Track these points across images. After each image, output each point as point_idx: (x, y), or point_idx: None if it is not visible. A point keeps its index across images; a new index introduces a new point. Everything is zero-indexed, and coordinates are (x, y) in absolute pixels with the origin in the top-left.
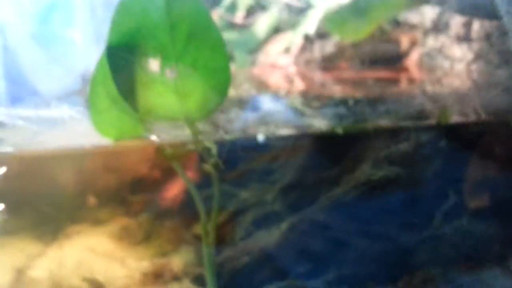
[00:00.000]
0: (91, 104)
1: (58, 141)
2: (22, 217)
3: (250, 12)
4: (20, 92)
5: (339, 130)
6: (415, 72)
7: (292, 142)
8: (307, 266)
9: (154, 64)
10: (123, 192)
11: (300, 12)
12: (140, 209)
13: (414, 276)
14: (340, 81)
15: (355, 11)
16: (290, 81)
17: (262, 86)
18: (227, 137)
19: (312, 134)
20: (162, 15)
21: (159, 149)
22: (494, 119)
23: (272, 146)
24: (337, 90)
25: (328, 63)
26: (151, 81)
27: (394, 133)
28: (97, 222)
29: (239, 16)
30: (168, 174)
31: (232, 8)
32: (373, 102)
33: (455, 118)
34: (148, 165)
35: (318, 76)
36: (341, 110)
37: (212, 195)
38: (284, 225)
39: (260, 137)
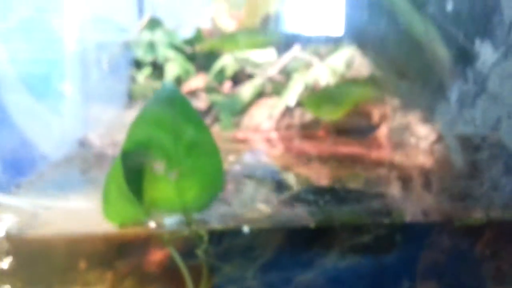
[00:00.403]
0: (104, 197)
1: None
2: (16, 278)
3: (235, 76)
4: (20, 153)
5: (312, 225)
6: (384, 144)
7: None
8: None
9: (159, 167)
10: (110, 256)
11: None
12: (126, 272)
13: None
14: (317, 150)
15: (330, 98)
16: (271, 144)
17: (245, 148)
18: (218, 227)
19: (289, 228)
20: (168, 129)
21: (157, 235)
22: (440, 219)
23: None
24: (312, 167)
25: (306, 130)
26: (156, 180)
27: (357, 228)
28: (86, 284)
29: (226, 86)
30: (152, 239)
31: (220, 72)
32: (339, 203)
33: (408, 218)
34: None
35: (297, 143)
36: (313, 209)
37: (196, 266)
38: None
39: (245, 229)
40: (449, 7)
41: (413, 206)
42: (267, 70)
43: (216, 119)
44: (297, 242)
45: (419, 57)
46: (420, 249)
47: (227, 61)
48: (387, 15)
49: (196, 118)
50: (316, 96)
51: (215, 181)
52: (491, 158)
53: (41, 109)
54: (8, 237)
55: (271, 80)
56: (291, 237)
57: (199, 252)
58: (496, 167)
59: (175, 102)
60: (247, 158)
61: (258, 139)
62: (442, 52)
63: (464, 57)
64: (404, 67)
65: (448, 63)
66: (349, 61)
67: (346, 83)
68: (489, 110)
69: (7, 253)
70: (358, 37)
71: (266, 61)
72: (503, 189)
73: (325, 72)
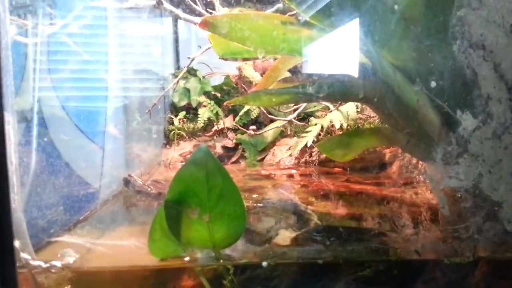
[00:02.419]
0: (150, 236)
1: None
2: None
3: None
4: (77, 190)
5: (320, 261)
6: (396, 179)
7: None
8: None
9: (194, 213)
10: (150, 280)
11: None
12: None
13: None
14: (333, 187)
15: (341, 144)
16: (292, 180)
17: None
18: (242, 261)
19: (302, 263)
20: (203, 183)
21: (192, 267)
22: (432, 258)
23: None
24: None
25: (323, 166)
26: (192, 223)
27: (359, 263)
28: None
29: (252, 129)
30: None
31: (246, 115)
32: (343, 243)
33: (403, 256)
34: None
35: (315, 179)
36: (321, 247)
37: None
38: None
39: (264, 263)
40: (434, 83)
41: (408, 245)
42: (288, 114)
43: (242, 156)
44: (308, 274)
45: (413, 118)
46: (414, 283)
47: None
48: (384, 84)
49: (225, 174)
50: (329, 141)
51: (238, 223)
52: (475, 207)
53: (92, 148)
54: (70, 268)
55: (291, 122)
56: (303, 270)
57: (226, 282)
58: (480, 214)
59: (208, 162)
60: (279, 191)
61: (280, 175)
62: (431, 117)
63: (448, 123)
64: (402, 125)
65: (436, 125)
66: (361, 107)
67: (356, 131)
68: (471, 167)
69: (69, 282)
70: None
71: (286, 106)
72: (486, 233)
73: (339, 116)
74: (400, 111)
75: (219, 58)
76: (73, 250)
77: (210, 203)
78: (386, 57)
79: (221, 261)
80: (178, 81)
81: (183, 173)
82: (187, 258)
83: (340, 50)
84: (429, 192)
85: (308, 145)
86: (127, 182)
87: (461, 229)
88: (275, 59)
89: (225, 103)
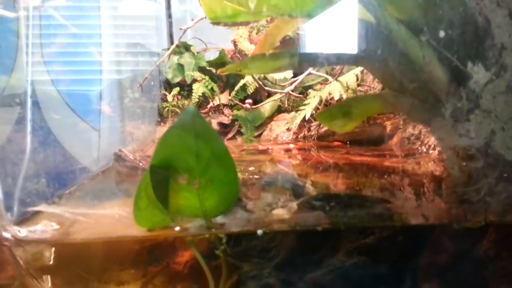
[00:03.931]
0: (135, 204)
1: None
2: (60, 278)
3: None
4: (63, 166)
5: (319, 228)
6: (397, 153)
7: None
8: None
9: (183, 178)
10: (142, 257)
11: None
12: (156, 272)
13: None
14: (332, 160)
15: (341, 112)
16: (290, 155)
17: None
18: (234, 230)
19: (300, 232)
20: (191, 147)
21: (182, 237)
22: (440, 223)
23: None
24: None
25: (322, 140)
26: (180, 190)
27: (361, 230)
28: (120, 283)
29: (248, 103)
30: (181, 240)
31: (242, 89)
32: (344, 208)
33: (409, 221)
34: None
35: (314, 154)
36: (320, 214)
37: (219, 266)
38: None
39: (259, 232)
40: (443, 33)
41: (414, 210)
42: (285, 88)
43: (239, 133)
44: (307, 243)
45: (418, 77)
46: (420, 250)
47: (248, 80)
48: (387, 41)
49: (215, 137)
50: (329, 111)
51: (231, 190)
52: (487, 167)
53: (82, 126)
54: (52, 241)
55: (288, 95)
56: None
57: (219, 252)
58: (492, 175)
59: (196, 123)
60: (276, 165)
61: (278, 150)
62: (438, 73)
63: (458, 77)
64: (405, 85)
65: (444, 83)
66: (361, 77)
67: (356, 98)
68: (482, 124)
69: (51, 255)
70: (366, 60)
71: (284, 78)
72: (499, 195)
73: (338, 87)
74: (404, 70)
75: (211, 23)
76: (51, 222)
77: (200, 168)
78: (389, 9)
79: (213, 230)
80: (170, 55)
81: (169, 136)
82: (177, 228)
83: (339, 8)
84: (431, 163)
85: (307, 118)
86: (118, 157)
87: (472, 192)
88: None
89: (218, 71)
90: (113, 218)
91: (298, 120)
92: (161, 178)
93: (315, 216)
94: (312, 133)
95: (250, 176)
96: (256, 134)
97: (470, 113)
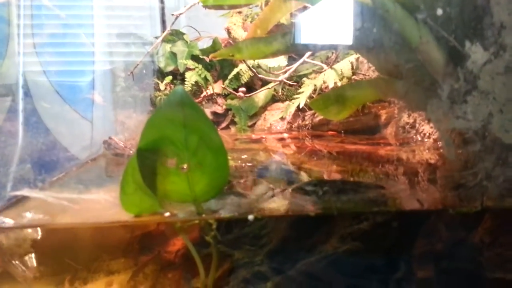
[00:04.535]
0: (121, 189)
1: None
2: (46, 266)
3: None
4: (51, 154)
5: (312, 213)
6: (391, 142)
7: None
8: None
9: (171, 163)
10: (133, 246)
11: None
12: (147, 261)
13: None
14: (326, 149)
15: (335, 99)
16: (284, 144)
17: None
18: (226, 215)
19: (292, 218)
20: (179, 129)
21: (171, 223)
22: (435, 208)
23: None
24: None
25: (316, 130)
26: (168, 174)
27: (355, 216)
28: (110, 272)
29: (241, 91)
30: (173, 229)
31: (236, 78)
32: (337, 191)
33: (404, 206)
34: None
35: (308, 143)
36: (313, 198)
37: (210, 254)
38: (269, 285)
39: (250, 217)
40: (441, 11)
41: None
42: (279, 76)
43: (232, 122)
44: (299, 229)
45: (413, 58)
46: (415, 236)
47: (242, 68)
48: (382, 22)
49: (204, 119)
50: (323, 98)
51: (221, 174)
52: (484, 150)
53: (72, 115)
54: (26, 226)
55: (282, 84)
56: (294, 226)
57: (209, 238)
58: (489, 159)
59: (185, 104)
60: (269, 152)
61: (271, 139)
62: (435, 54)
63: (455, 58)
64: (401, 68)
65: (441, 63)
66: (357, 65)
67: (351, 84)
68: (480, 106)
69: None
70: (361, 43)
71: (278, 66)
72: (496, 179)
73: (333, 75)
74: (400, 51)
75: (203, 6)
76: (35, 208)
77: (189, 151)
78: None
79: (203, 215)
80: (162, 43)
81: (156, 118)
82: (166, 214)
83: None
84: (426, 151)
85: (301, 106)
86: (108, 144)
87: (469, 176)
88: None
89: (210, 56)
90: (98, 203)
91: (292, 109)
92: (148, 162)
93: (308, 201)
94: (307, 122)
95: (243, 164)
96: (249, 123)
97: (468, 95)
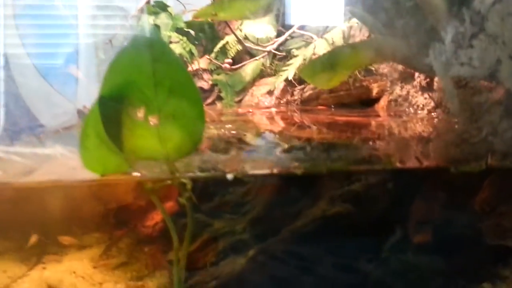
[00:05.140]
0: (81, 144)
1: (49, 175)
2: (10, 241)
3: (238, 56)
4: (21, 123)
5: (298, 172)
6: (383, 116)
7: (260, 181)
8: None
9: (139, 113)
10: (107, 220)
11: (283, 57)
12: (122, 235)
13: None
14: (316, 122)
15: (326, 65)
16: (271, 116)
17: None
18: (201, 174)
19: (276, 175)
20: (148, 74)
21: (140, 184)
22: (434, 166)
23: (244, 182)
24: (312, 132)
25: (306, 105)
26: (136, 126)
27: (346, 176)
28: (81, 247)
29: (227, 62)
30: (152, 203)
31: (222, 52)
32: (327, 148)
33: (400, 164)
34: (134, 195)
35: (296, 116)
36: (299, 155)
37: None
38: (251, 253)
39: (229, 177)
40: None
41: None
42: (267, 46)
43: (219, 98)
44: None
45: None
46: (411, 198)
47: (229, 41)
48: None
49: (177, 62)
50: (312, 64)
51: (196, 127)
52: (490, 101)
53: (46, 87)
54: None
55: (271, 58)
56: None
57: (183, 200)
58: (496, 111)
59: (154, 45)
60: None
61: (259, 113)
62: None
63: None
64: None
65: (443, 12)
66: (348, 34)
67: (343, 47)
68: (487, 51)
69: None
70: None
71: (266, 37)
72: (503, 134)
73: (324, 44)
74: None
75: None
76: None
77: (159, 100)
78: None
79: (177, 174)
80: (143, 13)
81: (121, 60)
82: (137, 174)
83: None
84: (419, 123)
85: (290, 78)
86: (81, 114)
87: (472, 130)
88: None
89: (193, 16)
90: (55, 159)
91: (280, 81)
92: (112, 112)
93: (294, 158)
94: (296, 97)
95: (227, 132)
96: (236, 99)
97: (474, 39)
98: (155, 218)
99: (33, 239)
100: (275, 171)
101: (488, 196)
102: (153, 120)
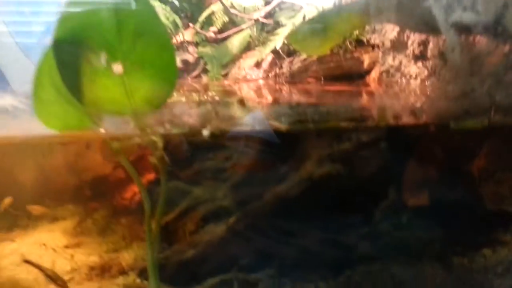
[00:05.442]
0: (35, 95)
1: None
2: None
3: (224, 28)
4: None
5: (282, 128)
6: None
7: (243, 142)
8: (251, 259)
9: (100, 59)
10: (83, 191)
11: (271, 29)
12: (98, 207)
13: (354, 271)
14: (305, 92)
15: (315, 30)
16: (259, 93)
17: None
18: (174, 131)
19: (258, 132)
20: (109, 13)
21: (105, 143)
22: (433, 122)
23: (226, 146)
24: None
25: (295, 78)
26: (97, 75)
27: (336, 134)
28: (54, 219)
29: (213, 31)
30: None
31: (208, 23)
32: (314, 105)
33: (394, 120)
34: (112, 165)
35: (285, 88)
36: (285, 110)
37: (167, 192)
38: (232, 220)
39: (205, 132)
40: None
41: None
42: (253, 14)
43: (205, 71)
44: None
45: None
46: (405, 159)
47: (215, 10)
48: None
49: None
50: (301, 29)
51: (167, 76)
52: (495, 50)
53: (22, 57)
54: None
55: (259, 30)
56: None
57: (153, 160)
58: (500, 61)
59: None
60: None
61: (246, 86)
62: None
63: None
64: None
65: None
66: (340, 1)
67: (333, 9)
68: None
69: None
70: None
71: (253, 6)
72: (509, 87)
73: (314, 13)
74: None
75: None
76: None
77: (123, 45)
78: None
79: (147, 132)
80: None
81: None
82: (101, 130)
83: None
84: (412, 94)
85: (278, 47)
86: None
87: (475, 83)
88: None
89: None
90: (6, 112)
91: (267, 50)
92: (69, 57)
93: (280, 113)
94: (284, 70)
95: (210, 99)
96: (223, 72)
97: None
98: (135, 190)
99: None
100: (257, 127)
101: (486, 163)
102: (117, 68)
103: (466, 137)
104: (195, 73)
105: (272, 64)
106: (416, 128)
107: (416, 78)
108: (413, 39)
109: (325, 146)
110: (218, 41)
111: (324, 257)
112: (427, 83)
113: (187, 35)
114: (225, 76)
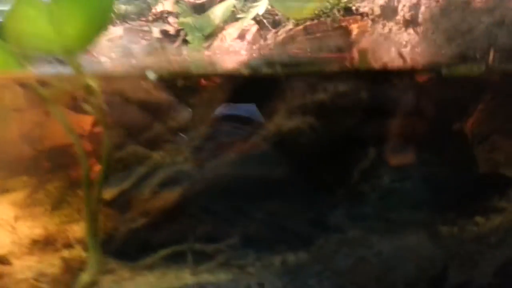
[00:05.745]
0: None
1: None
2: None
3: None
4: None
5: (245, 72)
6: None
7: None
8: (209, 229)
9: None
10: (41, 163)
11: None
12: (51, 178)
13: (329, 239)
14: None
15: None
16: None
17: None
18: (116, 73)
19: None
20: None
21: (33, 88)
22: (423, 66)
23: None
24: None
25: (280, 50)
26: (19, 5)
27: (309, 82)
28: (4, 190)
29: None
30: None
31: None
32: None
33: (377, 64)
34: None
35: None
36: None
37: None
38: (188, 185)
39: (151, 75)
40: None
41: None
42: None
43: (185, 43)
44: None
45: None
46: (390, 110)
47: None
48: None
49: None
50: None
51: (102, 6)
52: None
53: None
54: None
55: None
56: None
57: (88, 107)
58: None
59: None
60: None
61: (227, 58)
62: None
63: None
64: None
65: None
66: None
67: None
68: None
69: None
70: None
71: None
72: (509, 27)
73: None
74: None
75: None
76: None
77: None
78: None
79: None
80: None
81: None
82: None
83: None
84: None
85: (260, 13)
86: None
87: (472, 19)
88: None
89: None
90: None
91: (250, 16)
92: None
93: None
94: (269, 42)
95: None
96: (205, 44)
97: None
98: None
99: None
100: (218, 70)
101: (481, 122)
102: None
103: (459, 88)
104: (175, 45)
105: (257, 36)
106: (402, 74)
107: (406, 46)
108: (404, 2)
109: (296, 96)
110: (201, 6)
111: (293, 225)
112: (417, 50)
113: (167, 5)
114: (208, 48)
